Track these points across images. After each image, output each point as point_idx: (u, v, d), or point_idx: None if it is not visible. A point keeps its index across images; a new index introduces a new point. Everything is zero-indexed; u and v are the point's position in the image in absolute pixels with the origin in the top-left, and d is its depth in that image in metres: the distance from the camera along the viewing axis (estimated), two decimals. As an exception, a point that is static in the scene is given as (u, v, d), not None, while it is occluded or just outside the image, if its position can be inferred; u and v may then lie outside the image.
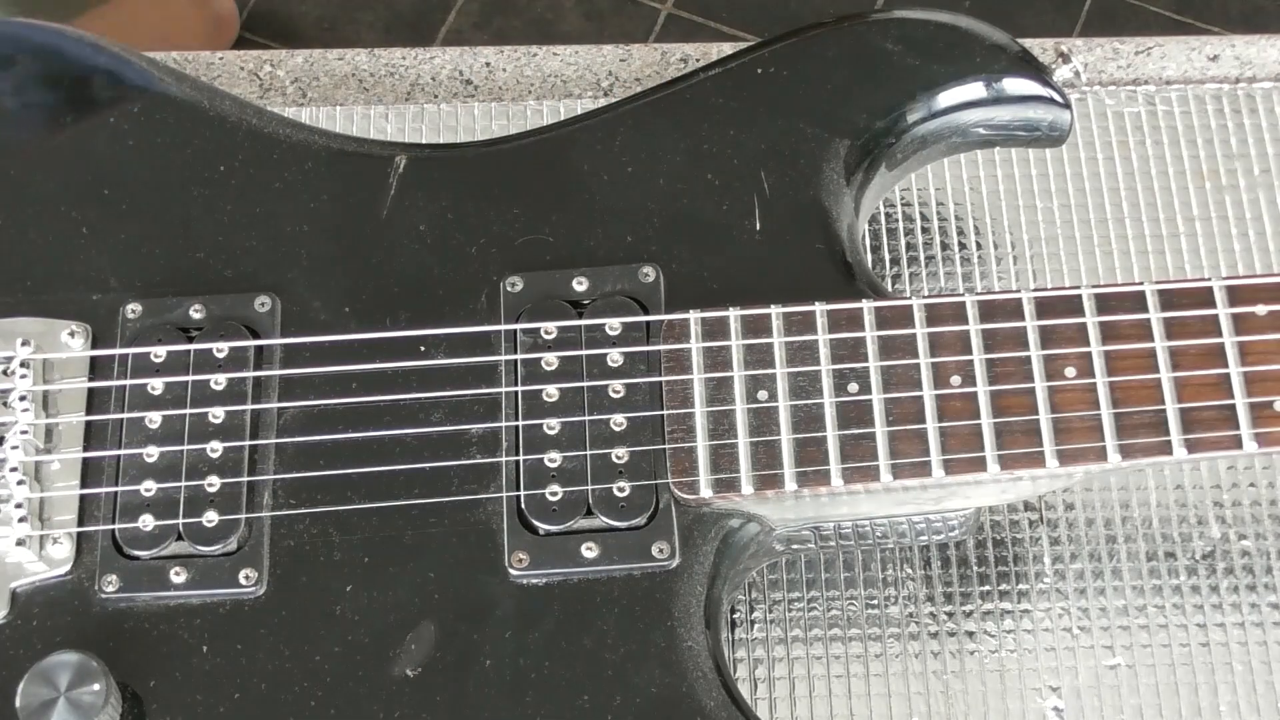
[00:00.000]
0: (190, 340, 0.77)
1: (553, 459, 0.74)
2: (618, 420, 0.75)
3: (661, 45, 0.99)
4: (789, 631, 0.82)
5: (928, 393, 0.73)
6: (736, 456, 0.73)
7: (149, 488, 0.74)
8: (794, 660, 0.81)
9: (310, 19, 1.84)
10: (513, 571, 0.73)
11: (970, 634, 0.82)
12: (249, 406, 0.75)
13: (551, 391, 0.75)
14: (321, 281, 0.78)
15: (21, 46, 0.84)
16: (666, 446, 0.74)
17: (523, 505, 0.74)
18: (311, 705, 0.71)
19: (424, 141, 0.94)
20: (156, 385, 0.76)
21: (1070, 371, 0.73)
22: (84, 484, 0.75)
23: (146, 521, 0.74)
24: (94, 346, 0.77)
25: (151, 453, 0.75)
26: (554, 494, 0.74)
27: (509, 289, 0.78)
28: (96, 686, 0.68)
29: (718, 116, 0.81)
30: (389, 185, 0.80)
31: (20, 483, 0.73)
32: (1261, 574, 0.83)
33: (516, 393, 0.75)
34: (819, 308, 0.75)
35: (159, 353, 0.77)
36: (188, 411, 0.75)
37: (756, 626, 0.82)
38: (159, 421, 0.75)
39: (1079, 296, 0.75)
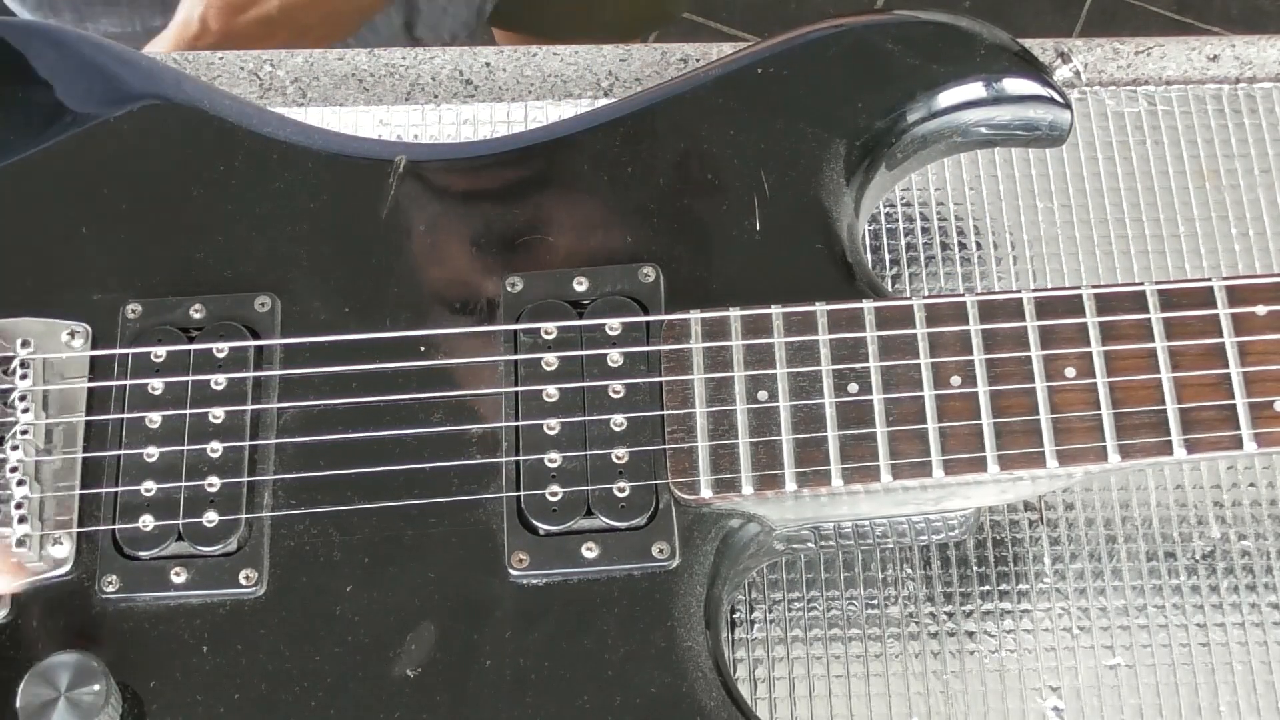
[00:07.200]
0: (190, 340, 0.77)
1: (552, 459, 0.74)
2: (618, 420, 0.75)
3: (661, 45, 0.98)
4: (789, 631, 0.82)
5: (928, 393, 0.73)
6: (737, 457, 0.73)
7: (149, 488, 0.74)
8: (794, 660, 0.81)
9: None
10: (513, 572, 0.73)
11: (970, 634, 0.82)
12: (249, 407, 0.75)
13: (551, 392, 0.75)
14: (321, 281, 0.78)
15: (21, 46, 0.84)
16: (666, 447, 0.74)
17: (523, 505, 0.74)
18: (311, 705, 0.71)
19: (424, 141, 0.94)
20: (156, 385, 0.76)
21: (1070, 371, 0.73)
22: (84, 484, 0.75)
23: (146, 522, 0.74)
24: (94, 347, 0.77)
25: (151, 453, 0.75)
26: (554, 494, 0.74)
27: (509, 289, 0.78)
28: (96, 686, 0.68)
29: (718, 116, 0.81)
30: (389, 185, 0.80)
31: (20, 483, 0.73)
32: (1261, 574, 0.83)
33: (516, 393, 0.75)
34: (819, 308, 0.75)
35: (159, 353, 0.77)
36: (188, 412, 0.75)
37: (756, 626, 0.82)
38: (159, 421, 0.75)
39: (1079, 296, 0.75)
